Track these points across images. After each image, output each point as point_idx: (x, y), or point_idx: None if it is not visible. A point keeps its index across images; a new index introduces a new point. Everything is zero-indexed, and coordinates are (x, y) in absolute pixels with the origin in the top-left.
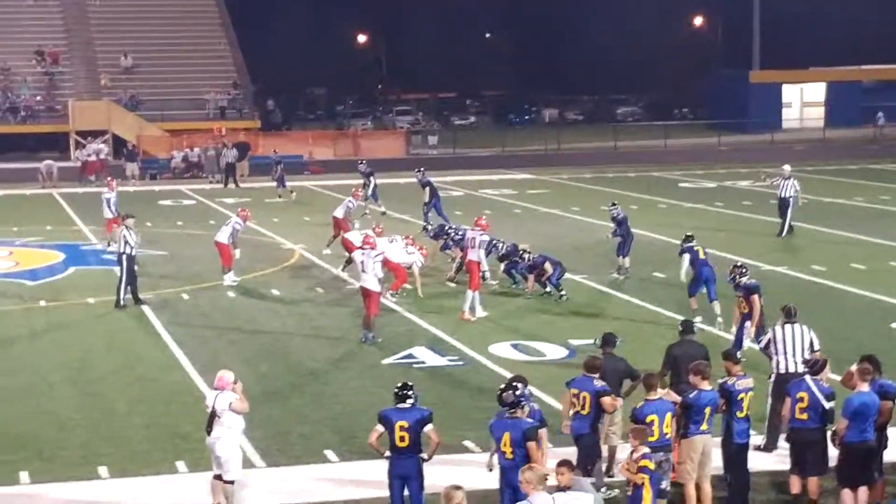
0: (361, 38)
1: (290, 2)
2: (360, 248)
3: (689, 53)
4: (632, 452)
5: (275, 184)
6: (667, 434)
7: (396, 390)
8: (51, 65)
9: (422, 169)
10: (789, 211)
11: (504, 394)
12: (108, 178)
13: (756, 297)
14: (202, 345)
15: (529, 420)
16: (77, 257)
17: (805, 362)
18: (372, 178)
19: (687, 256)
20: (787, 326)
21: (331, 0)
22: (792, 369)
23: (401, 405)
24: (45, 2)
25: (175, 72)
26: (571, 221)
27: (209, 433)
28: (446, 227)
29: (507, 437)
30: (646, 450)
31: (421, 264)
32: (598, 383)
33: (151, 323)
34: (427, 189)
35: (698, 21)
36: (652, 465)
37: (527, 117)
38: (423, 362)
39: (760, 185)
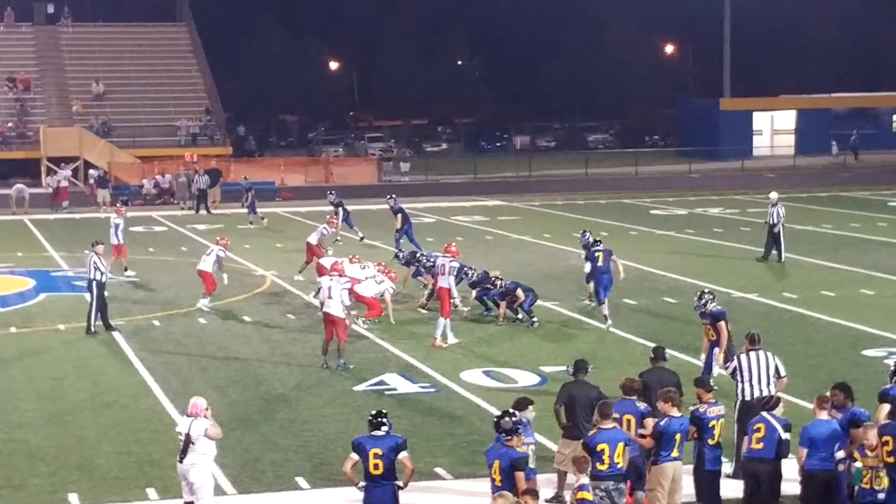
0: (333, 65)
1: (262, 29)
2: (328, 274)
3: (661, 81)
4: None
5: (245, 210)
6: (618, 464)
7: (371, 418)
8: (22, 91)
9: (393, 196)
10: (780, 237)
11: (502, 420)
12: (118, 204)
13: (723, 323)
14: (173, 371)
15: (521, 451)
16: (48, 284)
17: (758, 401)
18: (342, 208)
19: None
20: (752, 354)
21: (303, 27)
22: (757, 395)
23: (375, 433)
24: (17, 28)
25: (147, 98)
26: (543, 248)
27: (181, 460)
28: (418, 254)
29: (497, 464)
30: (585, 480)
31: (393, 290)
32: (641, 405)
33: (122, 349)
34: (399, 216)
35: (669, 49)
36: (590, 497)
37: (498, 144)
38: (394, 389)
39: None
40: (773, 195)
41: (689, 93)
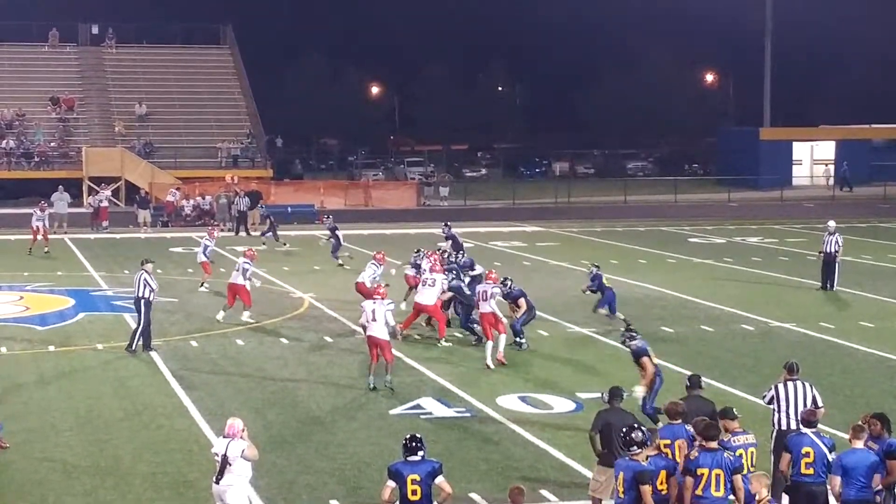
0: (375, 90)
1: (304, 53)
2: (372, 297)
3: (701, 109)
4: None
5: (259, 234)
6: (662, 491)
7: (406, 442)
8: (66, 111)
9: (448, 223)
10: (834, 265)
11: (633, 433)
12: (210, 228)
13: (646, 359)
14: (210, 392)
15: (646, 464)
16: (87, 303)
17: (802, 419)
18: (337, 233)
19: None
20: (790, 383)
21: (345, 52)
22: (794, 427)
23: (411, 458)
24: (62, 49)
25: (188, 120)
26: (581, 274)
27: (218, 481)
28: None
29: (621, 476)
30: None
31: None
32: (690, 428)
33: (160, 370)
34: (450, 242)
35: (710, 78)
36: None
37: (537, 170)
38: (430, 413)
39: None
40: (831, 224)
41: (729, 122)
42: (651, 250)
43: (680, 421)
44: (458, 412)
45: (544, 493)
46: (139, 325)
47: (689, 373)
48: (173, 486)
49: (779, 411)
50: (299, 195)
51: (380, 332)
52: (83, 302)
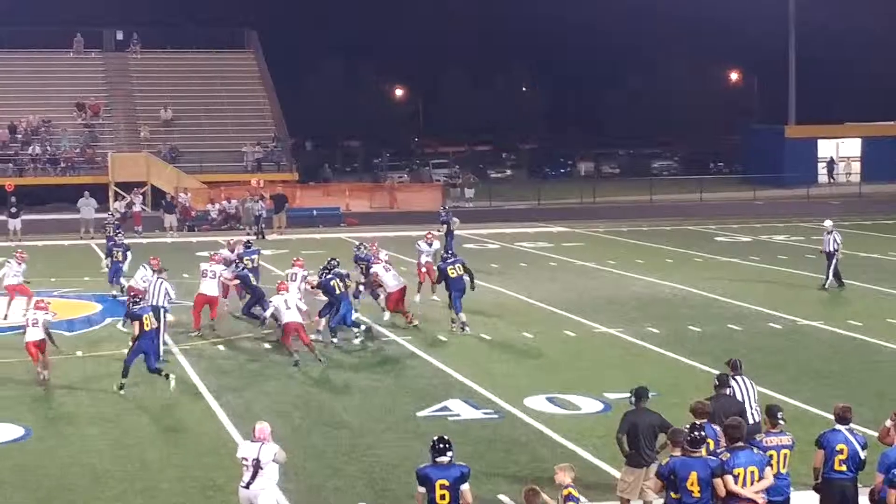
0: (399, 92)
1: (328, 56)
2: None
3: (725, 108)
4: None
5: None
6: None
7: (434, 444)
8: (91, 117)
9: (445, 206)
10: (832, 264)
11: (695, 433)
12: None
13: None
14: (237, 396)
15: (714, 458)
16: (114, 308)
17: (837, 416)
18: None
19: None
20: (738, 379)
21: (368, 54)
22: (751, 421)
23: (439, 459)
24: (87, 55)
25: (214, 124)
26: (607, 274)
27: (249, 485)
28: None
29: (694, 476)
30: None
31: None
32: (717, 428)
33: (187, 374)
34: (445, 226)
35: (734, 76)
36: None
37: (562, 170)
38: (458, 415)
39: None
40: (828, 223)
41: (754, 120)
42: (677, 249)
43: (706, 420)
44: (485, 414)
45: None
46: (159, 333)
47: (716, 372)
48: (201, 491)
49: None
50: (325, 198)
51: (294, 316)
52: (110, 307)
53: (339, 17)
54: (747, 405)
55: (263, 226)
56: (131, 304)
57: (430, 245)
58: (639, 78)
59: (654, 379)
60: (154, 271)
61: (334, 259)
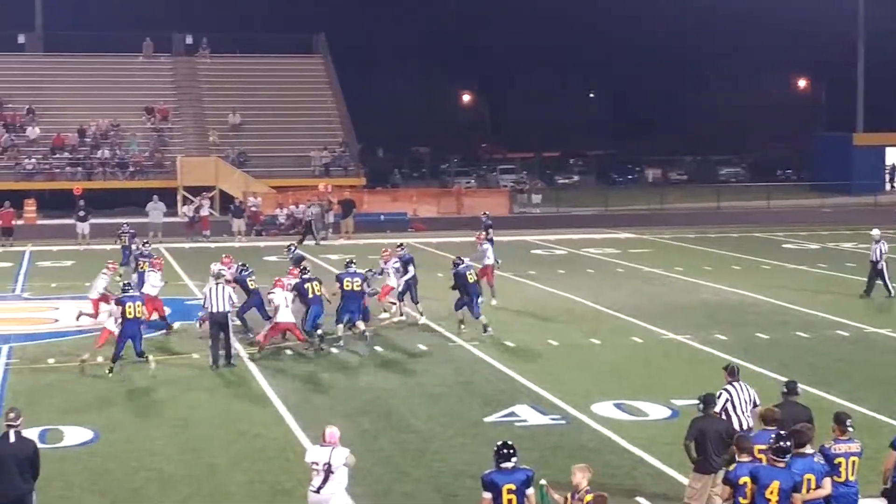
0: (466, 98)
1: (396, 62)
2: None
3: (793, 115)
4: None
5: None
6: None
7: (498, 449)
8: (160, 121)
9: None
10: (880, 273)
11: (781, 443)
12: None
13: None
14: (305, 401)
15: (798, 472)
16: (182, 312)
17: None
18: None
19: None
20: (736, 385)
21: (436, 60)
22: (746, 426)
23: (504, 465)
24: (156, 59)
25: (282, 129)
26: (674, 281)
27: (320, 490)
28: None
29: (776, 485)
30: None
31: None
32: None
33: (255, 378)
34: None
35: (802, 83)
36: None
37: (630, 177)
38: (525, 420)
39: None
40: (875, 232)
41: (822, 127)
42: (745, 256)
43: (775, 427)
44: (553, 419)
45: (640, 500)
46: (229, 338)
47: (784, 379)
48: (269, 495)
49: (733, 414)
50: (392, 203)
51: (288, 317)
52: (178, 311)
53: (409, 22)
54: (740, 411)
55: (328, 231)
56: (122, 292)
57: (482, 246)
58: (707, 84)
59: (722, 386)
60: (211, 276)
61: (351, 260)
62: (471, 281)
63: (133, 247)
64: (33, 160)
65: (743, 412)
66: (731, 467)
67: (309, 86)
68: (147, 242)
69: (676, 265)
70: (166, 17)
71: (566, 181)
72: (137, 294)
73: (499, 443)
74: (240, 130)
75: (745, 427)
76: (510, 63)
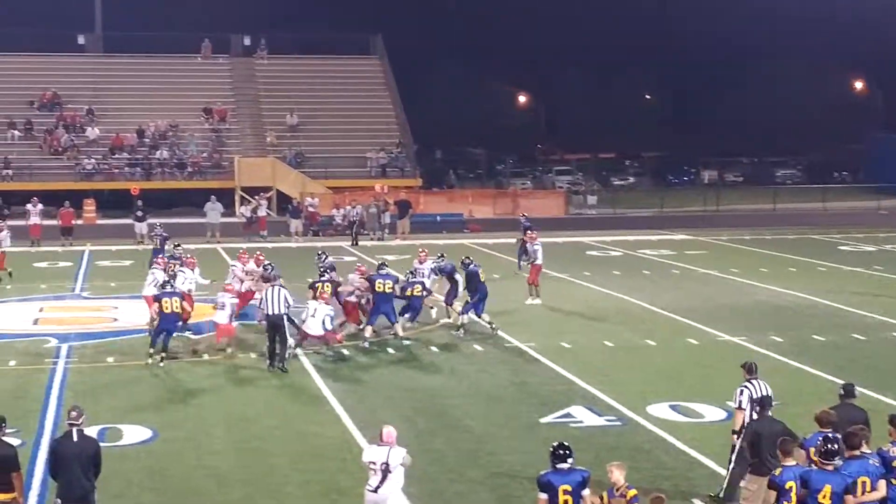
0: (522, 99)
1: (452, 63)
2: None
3: (849, 116)
4: None
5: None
6: (823, 502)
7: (554, 450)
8: (218, 122)
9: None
10: None
11: (829, 445)
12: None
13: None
14: (361, 401)
15: (850, 475)
16: (241, 313)
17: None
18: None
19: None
20: (754, 382)
21: (492, 61)
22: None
23: (560, 465)
24: (215, 60)
25: (338, 130)
26: (730, 283)
27: (377, 489)
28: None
29: (828, 489)
30: None
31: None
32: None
33: (312, 378)
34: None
35: (859, 84)
36: None
37: (685, 178)
38: (580, 421)
39: None
40: None
41: (879, 128)
42: (801, 258)
43: (831, 429)
44: (608, 421)
45: (696, 501)
46: (285, 341)
47: (841, 381)
48: (326, 494)
49: (751, 409)
50: (448, 204)
51: (314, 328)
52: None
53: (465, 23)
54: (750, 406)
55: (384, 231)
56: (160, 289)
57: (534, 245)
58: (764, 85)
59: (777, 388)
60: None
61: (384, 262)
62: (482, 280)
63: (165, 248)
64: (93, 160)
65: (752, 409)
66: (777, 471)
67: (366, 87)
68: (178, 245)
69: (732, 267)
70: (225, 18)
71: (622, 182)
72: (177, 290)
73: (555, 443)
74: (297, 131)
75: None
76: (566, 64)
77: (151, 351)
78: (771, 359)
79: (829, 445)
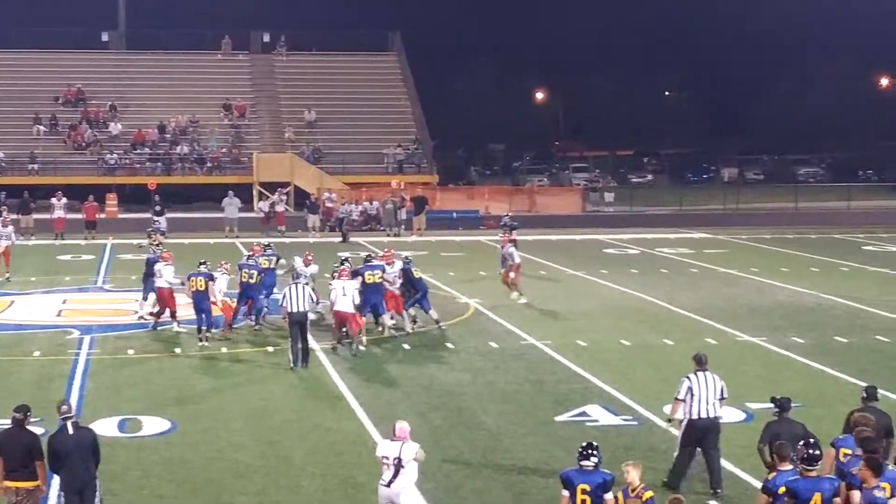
0: (539, 95)
1: (469, 59)
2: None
3: (874, 115)
4: None
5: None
6: None
7: (581, 448)
8: (237, 118)
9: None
10: None
11: (809, 450)
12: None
13: None
14: (377, 396)
15: (835, 477)
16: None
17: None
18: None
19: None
20: (700, 374)
21: (510, 57)
22: (704, 415)
23: (583, 463)
24: (234, 56)
25: (356, 126)
26: (750, 282)
27: (390, 484)
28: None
29: (818, 497)
30: None
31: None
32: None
33: (328, 373)
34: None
35: (884, 81)
36: None
37: (705, 176)
38: (596, 420)
39: None
40: None
41: None
42: (823, 258)
43: (867, 431)
44: (624, 420)
45: (713, 503)
46: (307, 339)
47: (864, 384)
48: (342, 488)
49: (692, 402)
50: (465, 201)
51: (346, 306)
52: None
53: (483, 20)
54: (705, 401)
55: (400, 227)
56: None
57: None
58: (785, 82)
59: (798, 389)
60: (288, 273)
61: (370, 255)
62: (416, 277)
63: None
64: (115, 155)
65: (707, 401)
66: (771, 475)
67: (384, 83)
68: (159, 244)
69: (752, 266)
70: (244, 15)
71: (640, 180)
72: (204, 271)
73: (583, 444)
74: (315, 127)
75: (707, 416)
76: (584, 61)
77: (200, 336)
78: (792, 360)
79: (810, 451)
